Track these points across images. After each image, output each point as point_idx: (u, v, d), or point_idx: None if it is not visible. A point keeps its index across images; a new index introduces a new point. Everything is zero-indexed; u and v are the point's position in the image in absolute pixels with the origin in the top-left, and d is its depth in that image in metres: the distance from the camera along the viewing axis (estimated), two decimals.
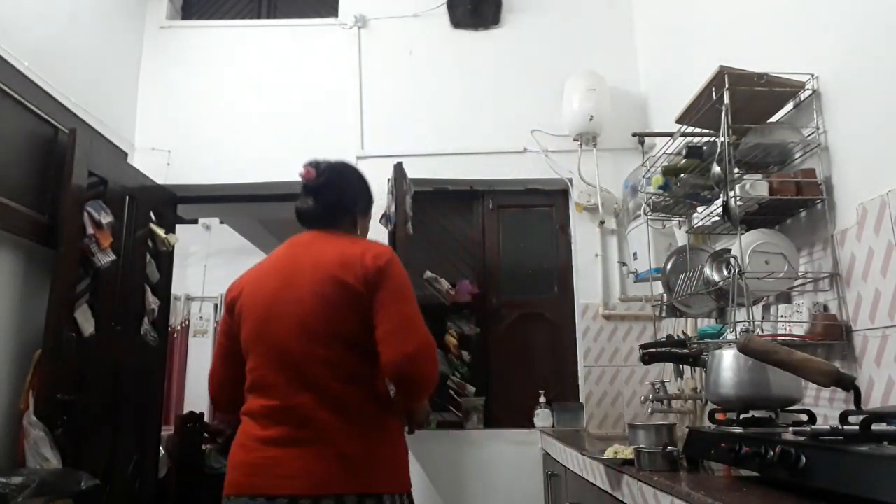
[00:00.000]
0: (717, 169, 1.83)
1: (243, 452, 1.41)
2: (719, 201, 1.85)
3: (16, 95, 2.51)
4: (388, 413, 1.47)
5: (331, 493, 1.32)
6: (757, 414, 1.36)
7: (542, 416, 2.96)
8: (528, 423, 2.99)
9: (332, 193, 1.60)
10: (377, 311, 1.41)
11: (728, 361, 1.42)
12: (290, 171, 3.36)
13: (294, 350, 1.41)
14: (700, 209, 2.15)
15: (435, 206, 3.51)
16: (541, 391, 3.04)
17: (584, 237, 3.30)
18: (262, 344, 1.45)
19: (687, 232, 2.41)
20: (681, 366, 2.35)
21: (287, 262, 1.52)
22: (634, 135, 2.80)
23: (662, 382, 2.43)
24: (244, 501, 1.35)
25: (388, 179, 3.15)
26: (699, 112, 1.98)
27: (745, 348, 1.21)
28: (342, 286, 1.42)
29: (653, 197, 2.35)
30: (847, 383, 1.09)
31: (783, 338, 1.71)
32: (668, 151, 2.27)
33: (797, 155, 1.88)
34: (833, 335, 1.65)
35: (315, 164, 1.60)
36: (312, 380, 1.39)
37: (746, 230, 1.87)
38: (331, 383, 1.40)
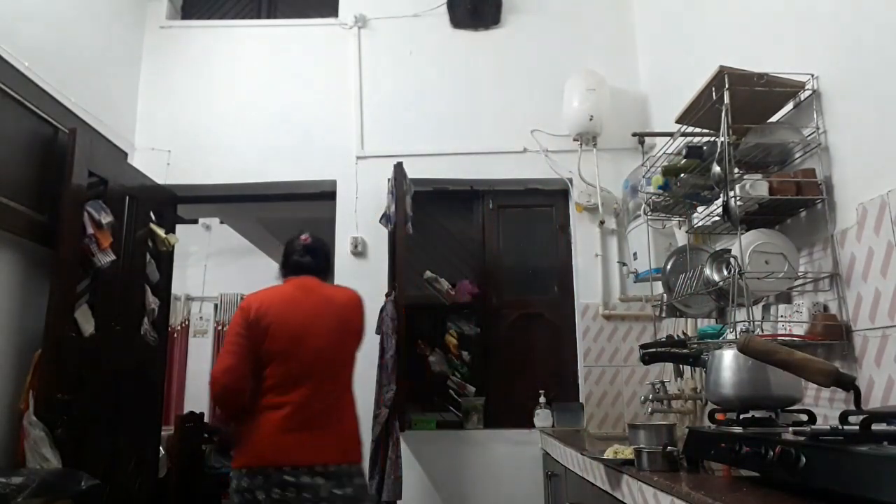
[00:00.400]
0: (717, 169, 1.83)
1: (272, 435, 1.88)
2: (719, 201, 1.85)
3: (16, 95, 2.51)
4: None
5: (338, 463, 1.91)
6: (757, 414, 1.36)
7: (542, 416, 2.96)
8: (528, 423, 2.99)
9: (321, 252, 2.23)
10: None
11: (728, 361, 1.42)
12: (290, 171, 3.42)
13: (324, 365, 1.99)
14: (700, 209, 2.15)
15: (435, 206, 3.50)
16: (541, 391, 3.04)
17: (584, 237, 3.30)
18: (295, 357, 1.96)
19: (687, 232, 2.41)
20: (681, 366, 2.35)
21: (308, 299, 2.07)
22: (634, 135, 2.80)
23: (662, 382, 2.43)
24: (271, 471, 1.84)
25: (388, 179, 3.15)
26: (699, 112, 1.98)
27: (745, 348, 1.21)
28: (353, 325, 2.11)
29: (653, 197, 2.34)
30: (847, 383, 1.09)
31: (783, 338, 1.71)
32: (668, 151, 2.27)
33: (797, 155, 1.88)
34: (833, 335, 1.65)
35: (308, 233, 2.24)
36: (331, 387, 1.99)
37: (746, 230, 1.87)
38: (341, 390, 2.03)
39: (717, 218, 1.99)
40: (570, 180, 3.34)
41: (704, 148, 2.04)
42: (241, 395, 1.92)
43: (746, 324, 1.78)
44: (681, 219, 2.45)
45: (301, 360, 1.95)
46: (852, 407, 1.07)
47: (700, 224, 2.18)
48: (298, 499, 1.83)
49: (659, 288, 2.38)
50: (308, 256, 2.17)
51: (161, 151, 3.47)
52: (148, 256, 3.23)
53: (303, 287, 2.10)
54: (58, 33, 2.89)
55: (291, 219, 5.19)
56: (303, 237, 2.21)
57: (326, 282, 2.21)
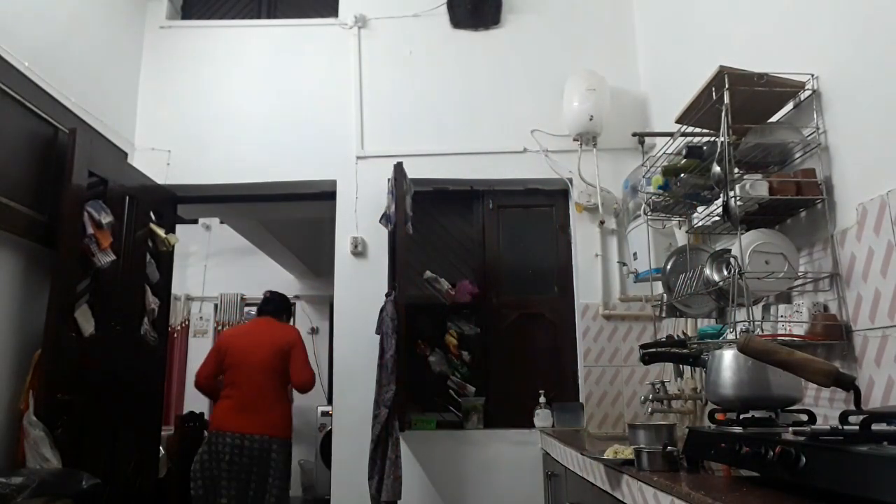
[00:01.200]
0: (717, 169, 1.83)
1: (226, 415, 3.06)
2: (719, 201, 1.85)
3: (16, 95, 2.51)
4: (287, 402, 3.23)
5: (264, 435, 3.02)
6: (757, 414, 1.36)
7: (542, 416, 2.95)
8: (528, 423, 2.99)
9: (274, 301, 3.42)
10: (291, 361, 3.16)
11: (728, 361, 1.42)
12: (290, 172, 3.43)
13: (258, 374, 3.10)
14: (700, 209, 2.15)
15: (435, 206, 3.50)
16: (541, 391, 3.03)
17: (584, 237, 3.30)
18: (240, 368, 3.12)
19: (687, 232, 2.41)
20: (681, 366, 2.35)
21: (255, 332, 3.28)
22: (634, 135, 2.80)
23: (662, 382, 2.43)
24: (228, 435, 3.00)
25: (388, 179, 3.15)
26: (699, 112, 1.98)
27: (745, 348, 1.21)
28: (282, 351, 3.16)
29: (653, 197, 2.34)
30: (847, 383, 1.09)
31: (783, 338, 1.71)
32: (668, 151, 2.27)
33: (797, 155, 1.88)
34: (833, 335, 1.65)
35: (269, 291, 3.47)
36: (262, 387, 3.10)
37: (746, 230, 1.87)
38: (268, 390, 3.11)
39: (717, 218, 1.99)
40: (570, 180, 3.34)
41: (704, 148, 2.04)
42: (209, 387, 3.23)
43: (746, 324, 1.78)
44: (681, 219, 2.45)
45: (243, 370, 3.09)
46: (852, 407, 1.07)
47: (700, 224, 2.18)
48: (233, 451, 2.98)
49: (659, 288, 2.38)
50: (268, 305, 3.38)
51: (161, 151, 3.47)
52: (148, 256, 3.23)
53: (258, 324, 3.35)
54: (58, 33, 2.89)
55: (291, 219, 5.21)
56: (265, 293, 3.46)
57: (281, 319, 3.39)
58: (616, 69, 3.41)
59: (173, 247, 3.44)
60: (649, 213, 2.42)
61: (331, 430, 3.18)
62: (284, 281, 7.38)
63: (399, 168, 3.06)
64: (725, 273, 1.85)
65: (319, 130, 3.48)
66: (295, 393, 3.30)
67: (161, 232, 3.30)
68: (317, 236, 5.26)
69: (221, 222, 5.43)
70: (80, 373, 2.61)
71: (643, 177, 2.45)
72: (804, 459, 0.97)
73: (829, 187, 1.76)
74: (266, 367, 3.08)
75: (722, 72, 1.81)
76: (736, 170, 1.85)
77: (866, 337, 1.58)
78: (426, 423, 3.13)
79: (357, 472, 2.91)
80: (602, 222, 3.26)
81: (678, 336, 2.42)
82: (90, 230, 2.69)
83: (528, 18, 3.61)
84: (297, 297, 7.69)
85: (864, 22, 1.64)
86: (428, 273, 3.32)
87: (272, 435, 3.03)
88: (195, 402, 6.22)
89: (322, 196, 3.49)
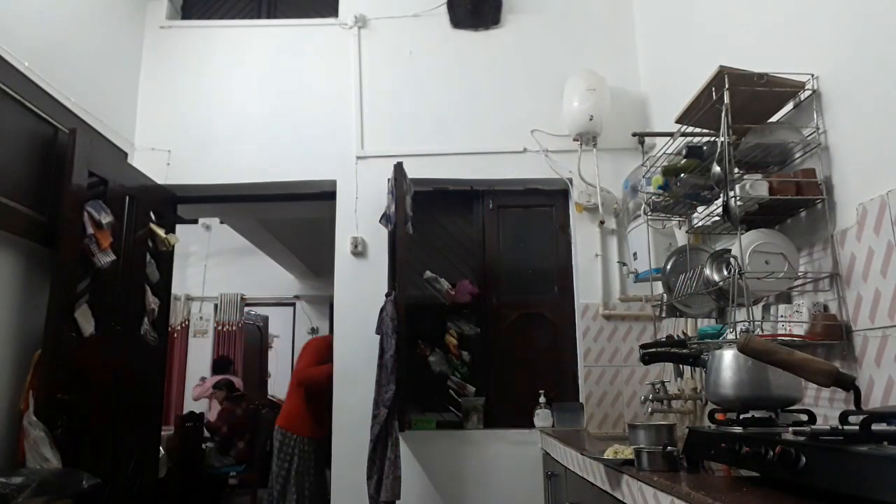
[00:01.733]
0: (717, 169, 1.83)
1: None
2: (719, 201, 1.85)
3: (16, 95, 2.51)
4: (296, 398, 3.68)
5: (283, 428, 3.62)
6: (757, 414, 1.36)
7: (542, 416, 2.95)
8: (528, 423, 2.99)
9: None
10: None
11: (728, 361, 1.42)
12: (290, 171, 3.43)
13: (293, 382, 3.77)
14: (700, 209, 2.15)
15: (435, 206, 3.50)
16: (541, 391, 3.03)
17: (584, 237, 3.30)
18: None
19: (687, 232, 2.41)
20: (681, 366, 2.35)
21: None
22: (634, 135, 2.80)
23: (662, 382, 2.43)
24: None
25: (388, 179, 3.15)
26: (699, 112, 1.98)
27: (745, 348, 1.21)
28: (300, 356, 3.81)
29: (653, 197, 2.34)
30: (847, 383, 1.09)
31: (783, 338, 1.71)
32: (668, 151, 2.27)
33: (797, 155, 1.88)
34: (833, 335, 1.65)
35: None
36: (292, 387, 3.73)
37: (746, 230, 1.87)
38: (289, 389, 3.78)
39: (717, 218, 1.99)
40: (570, 180, 3.34)
41: (704, 148, 2.04)
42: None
43: (746, 324, 1.78)
44: (681, 219, 2.45)
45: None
46: (852, 407, 1.07)
47: (700, 224, 2.18)
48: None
49: (659, 288, 2.38)
50: None
51: (161, 151, 3.47)
52: (148, 256, 3.23)
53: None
54: (58, 33, 2.89)
55: (291, 219, 5.21)
56: None
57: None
58: (616, 69, 3.41)
59: (173, 247, 3.44)
60: (649, 213, 2.42)
61: (330, 429, 3.18)
62: (284, 281, 7.40)
63: (399, 168, 3.06)
64: (725, 273, 1.85)
65: (319, 130, 3.48)
66: None
67: (161, 232, 3.30)
68: (317, 236, 5.27)
69: (221, 222, 5.44)
70: (80, 373, 2.61)
71: (643, 177, 2.45)
72: (804, 459, 0.97)
73: (829, 187, 1.76)
74: (294, 371, 3.85)
75: (722, 72, 1.81)
76: (736, 170, 1.85)
77: (866, 337, 1.58)
78: (426, 423, 3.13)
79: (356, 472, 2.91)
80: (602, 222, 3.26)
81: (678, 336, 2.43)
82: (90, 230, 2.68)
83: (528, 18, 3.61)
84: (297, 297, 7.71)
85: (864, 22, 1.64)
86: (428, 273, 3.32)
87: (278, 424, 3.67)
88: (195, 402, 6.23)
89: (322, 196, 3.49)
